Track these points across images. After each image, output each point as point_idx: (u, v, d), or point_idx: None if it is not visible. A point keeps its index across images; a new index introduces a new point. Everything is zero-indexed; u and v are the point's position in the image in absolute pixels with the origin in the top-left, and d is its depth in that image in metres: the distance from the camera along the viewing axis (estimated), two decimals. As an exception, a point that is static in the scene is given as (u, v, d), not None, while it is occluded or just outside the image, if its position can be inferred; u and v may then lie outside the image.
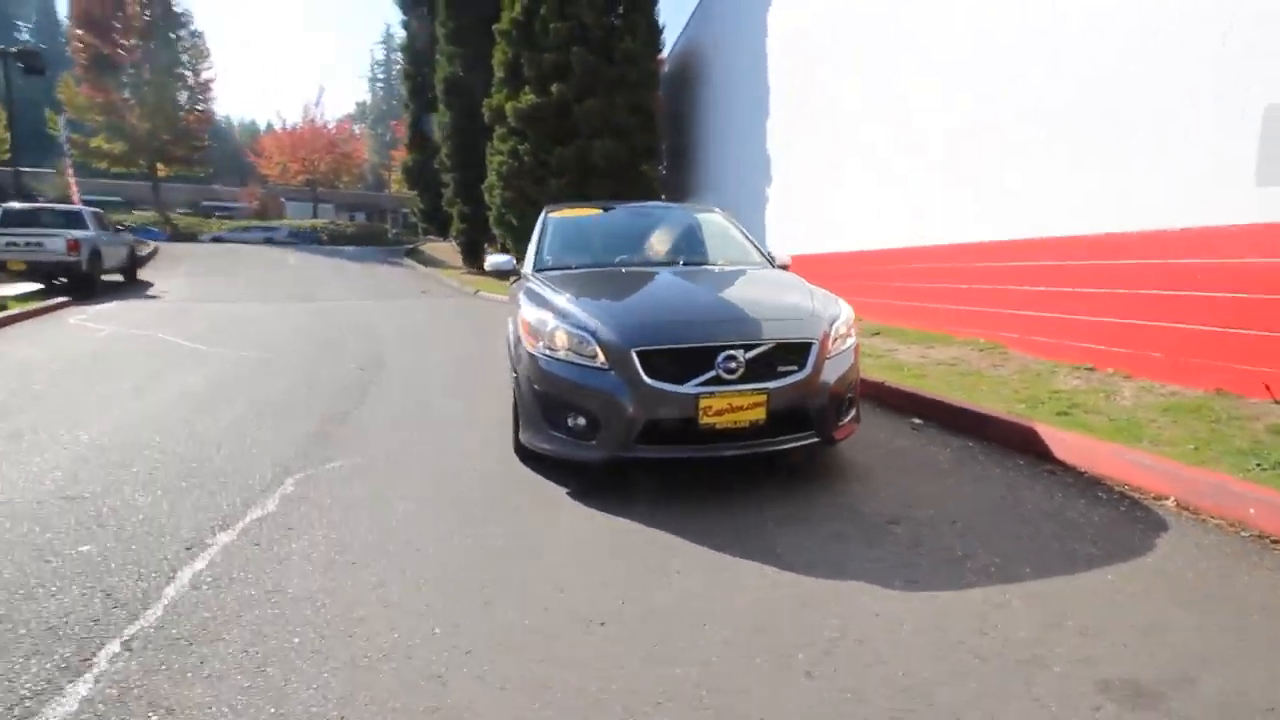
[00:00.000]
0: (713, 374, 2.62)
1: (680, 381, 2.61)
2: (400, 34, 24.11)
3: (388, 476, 3.02)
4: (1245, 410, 3.45)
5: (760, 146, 11.33)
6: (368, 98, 70.15)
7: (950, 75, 6.29)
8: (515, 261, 3.99)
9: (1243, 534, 2.30)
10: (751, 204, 11.80)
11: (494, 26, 15.18)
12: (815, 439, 2.80)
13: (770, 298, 3.10)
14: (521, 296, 3.29)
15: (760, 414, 2.64)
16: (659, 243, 4.03)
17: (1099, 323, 4.66)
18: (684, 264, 3.76)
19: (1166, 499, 2.60)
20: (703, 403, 2.59)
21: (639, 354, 2.61)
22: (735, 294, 3.21)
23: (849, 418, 2.95)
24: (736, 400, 2.61)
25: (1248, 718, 1.42)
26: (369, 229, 38.46)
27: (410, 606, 1.90)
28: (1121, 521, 2.44)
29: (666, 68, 16.28)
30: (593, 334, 2.72)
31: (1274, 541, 2.22)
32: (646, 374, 2.59)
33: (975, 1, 5.97)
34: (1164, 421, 3.47)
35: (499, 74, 15.34)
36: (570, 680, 1.56)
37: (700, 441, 2.65)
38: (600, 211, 4.41)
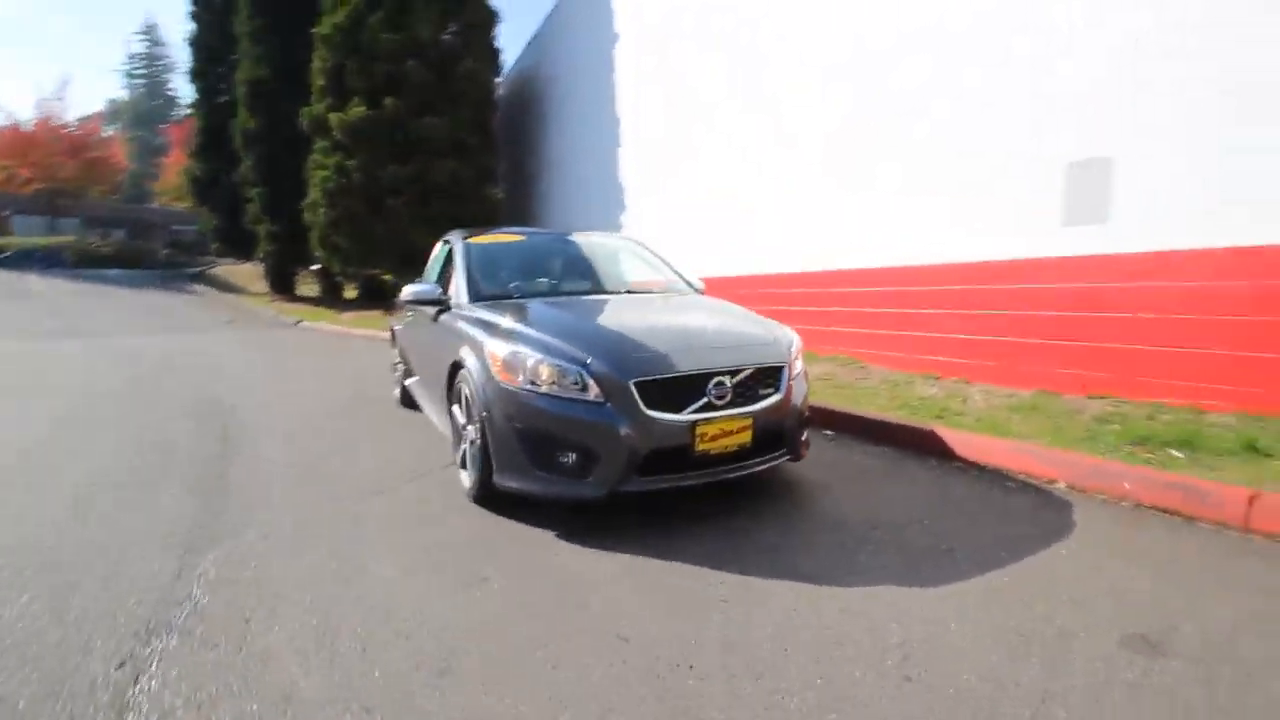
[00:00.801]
0: (704, 401, 2.67)
1: (675, 410, 2.63)
2: (167, 26, 21.02)
3: (332, 542, 2.62)
4: (1069, 405, 4.31)
5: (612, 176, 11.66)
6: (124, 94, 59.75)
7: (806, 122, 7.07)
8: (439, 290, 3.67)
9: (1123, 504, 2.89)
10: (604, 228, 12.05)
11: (314, 30, 13.92)
12: (788, 457, 2.97)
13: (734, 325, 3.23)
14: (473, 329, 3.06)
15: (746, 437, 2.74)
16: (592, 270, 4.00)
17: (940, 339, 5.51)
18: (626, 291, 3.78)
19: (1057, 482, 3.17)
20: (698, 430, 2.62)
21: (637, 385, 2.59)
22: (701, 321, 3.30)
23: (805, 435, 3.17)
24: (727, 425, 2.69)
25: (1240, 644, 1.80)
26: (132, 249, 32.26)
27: (488, 678, 1.69)
28: (1039, 505, 2.91)
29: (501, 91, 16.10)
30: (584, 366, 2.63)
31: (1150, 508, 2.82)
32: (645, 405, 2.57)
33: (825, 86, 6.81)
34: (1015, 418, 4.20)
35: (319, 81, 14.07)
36: (694, 730, 1.50)
37: (694, 469, 2.67)
38: (521, 238, 4.26)
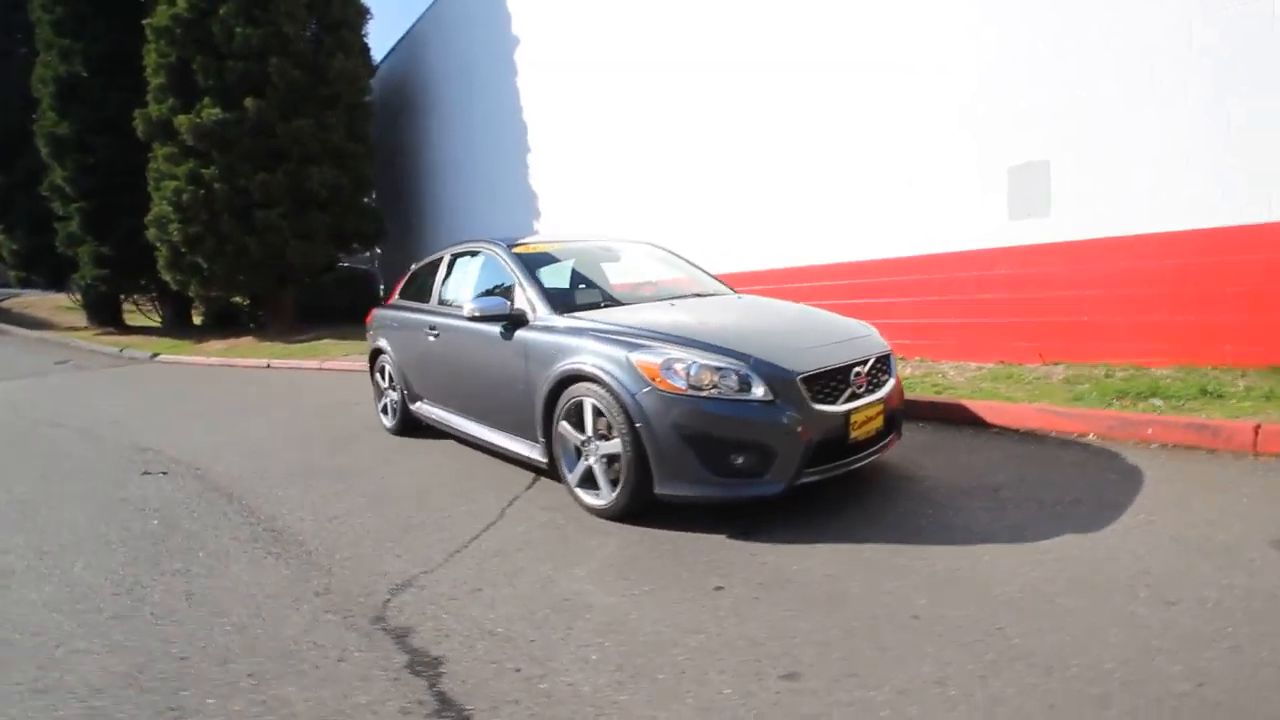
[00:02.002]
0: (850, 391, 2.83)
1: (831, 402, 2.75)
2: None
3: (527, 586, 2.42)
4: (1036, 372, 5.02)
5: (522, 181, 11.40)
6: None
7: (748, 127, 7.45)
8: (509, 304, 3.44)
9: (1151, 446, 3.48)
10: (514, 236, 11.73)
11: (146, 22, 12.08)
12: (896, 438, 3.21)
13: (832, 320, 3.40)
14: (592, 341, 2.96)
15: (880, 421, 2.95)
16: (648, 276, 3.97)
17: (901, 324, 6.12)
18: (695, 295, 3.81)
19: (1087, 435, 3.73)
20: (852, 418, 2.78)
21: (802, 380, 2.67)
22: (806, 318, 3.43)
23: (898, 416, 3.44)
24: (869, 412, 2.87)
25: None
26: None
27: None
28: (1093, 455, 3.41)
29: (371, 94, 15.04)
30: (751, 366, 2.66)
31: (1174, 446, 3.42)
32: (810, 399, 2.67)
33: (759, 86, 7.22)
34: (998, 386, 4.82)
35: (157, 80, 12.27)
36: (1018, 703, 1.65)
37: (846, 456, 2.82)
38: (560, 245, 4.10)
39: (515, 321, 3.43)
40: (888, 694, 1.65)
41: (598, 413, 2.90)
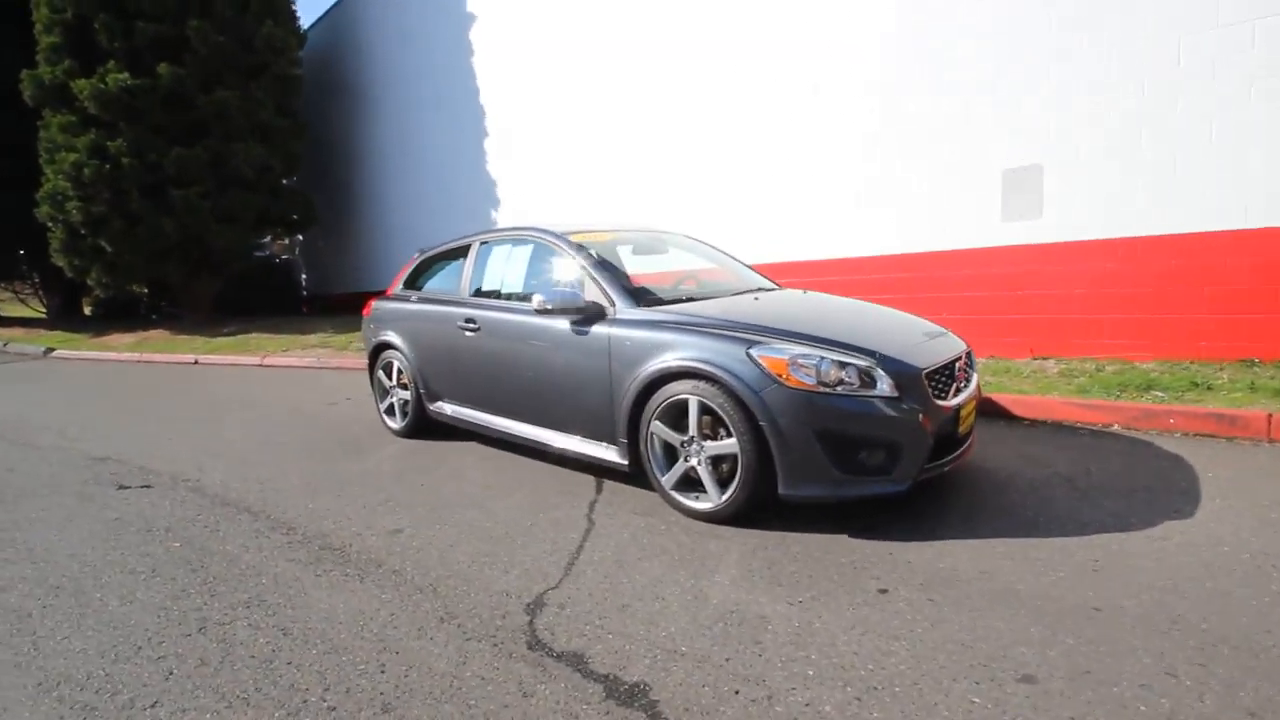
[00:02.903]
0: (955, 385, 2.86)
1: (943, 396, 2.77)
2: None
3: (672, 601, 2.26)
4: (1030, 366, 5.34)
5: (479, 167, 10.90)
6: None
7: (718, 125, 7.44)
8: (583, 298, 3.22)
9: (1175, 435, 3.76)
10: (470, 228, 11.24)
11: (35, -31, 10.55)
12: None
13: (906, 315, 3.42)
14: (701, 338, 2.82)
15: (974, 414, 3.00)
16: (694, 267, 3.84)
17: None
18: (760, 289, 3.72)
19: (1112, 426, 3.99)
20: (961, 413, 2.80)
21: (926, 375, 2.66)
22: (890, 314, 3.43)
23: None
24: (970, 406, 2.92)
25: None
26: None
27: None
28: (1134, 445, 3.64)
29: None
30: (877, 362, 2.62)
31: (1196, 434, 3.71)
32: (932, 394, 2.67)
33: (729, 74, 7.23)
34: (1001, 379, 5.07)
35: (49, 39, 10.78)
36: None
37: (952, 449, 2.85)
38: (614, 235, 3.88)
39: (590, 315, 3.23)
40: (1130, 688, 1.66)
41: (705, 411, 2.77)
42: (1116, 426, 3.98)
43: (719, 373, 2.69)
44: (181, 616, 2.25)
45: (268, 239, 14.61)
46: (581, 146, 9.23)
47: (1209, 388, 4.35)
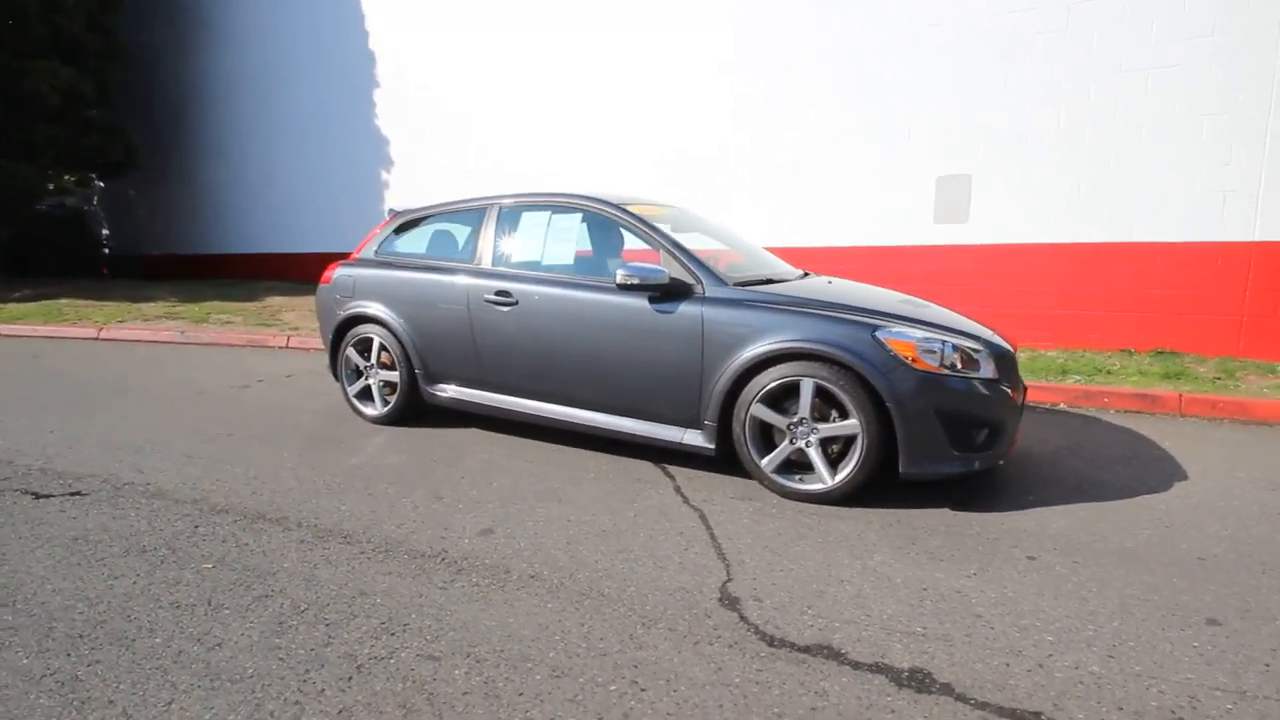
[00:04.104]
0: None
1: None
2: None
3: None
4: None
5: (366, 124, 9.73)
6: None
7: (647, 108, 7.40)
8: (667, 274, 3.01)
9: (1111, 411, 4.48)
10: (354, 190, 10.06)
11: None
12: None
13: (939, 306, 3.66)
14: (803, 319, 2.81)
15: (1018, 396, 3.33)
16: (734, 252, 3.76)
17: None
18: (804, 273, 3.74)
19: (1059, 404, 4.64)
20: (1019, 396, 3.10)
21: (1007, 361, 2.89)
22: (926, 302, 3.63)
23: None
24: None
25: None
26: None
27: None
28: (1089, 422, 4.26)
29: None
30: (984, 344, 2.79)
31: (1127, 410, 4.46)
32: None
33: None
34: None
35: None
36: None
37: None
38: (668, 210, 3.65)
39: (675, 293, 3.05)
40: (1288, 623, 1.98)
41: (819, 393, 2.77)
42: (1062, 405, 4.66)
43: (843, 355, 2.70)
44: (315, 656, 1.78)
45: (71, 182, 11.77)
46: (492, 109, 8.63)
47: (1109, 372, 5.25)
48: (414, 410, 3.96)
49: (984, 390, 2.76)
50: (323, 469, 3.28)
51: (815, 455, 2.82)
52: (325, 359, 4.36)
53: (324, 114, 10.23)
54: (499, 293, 3.48)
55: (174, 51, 11.75)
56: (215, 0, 11.11)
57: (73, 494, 2.93)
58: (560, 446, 3.62)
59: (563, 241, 3.45)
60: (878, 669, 1.76)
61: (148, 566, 2.27)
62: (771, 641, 1.87)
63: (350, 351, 4.08)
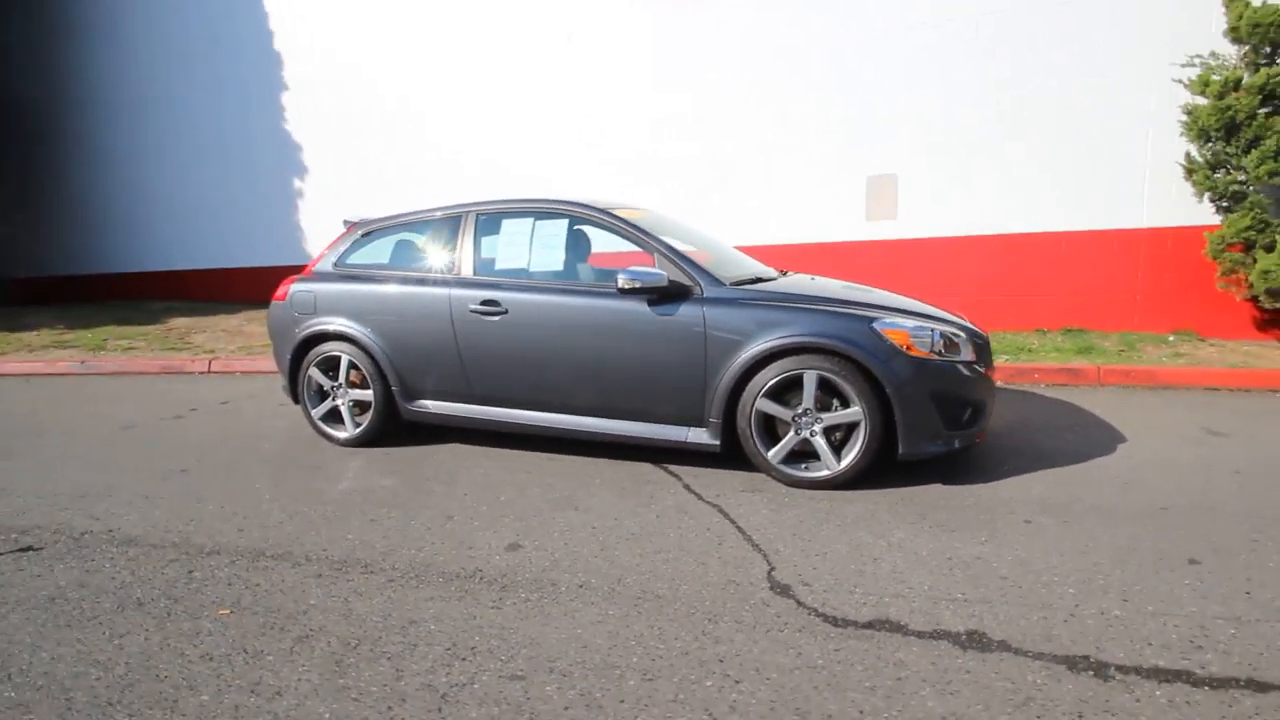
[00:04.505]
0: (983, 353, 3.42)
1: (985, 361, 3.30)
2: None
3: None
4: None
5: (274, 130, 9.12)
6: None
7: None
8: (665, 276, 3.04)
9: (1040, 385, 4.93)
10: (263, 197, 9.41)
11: None
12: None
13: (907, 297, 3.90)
14: (801, 315, 2.96)
15: (980, 376, 3.62)
16: (704, 252, 3.84)
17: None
18: (782, 272, 3.87)
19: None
20: (988, 375, 3.37)
21: (982, 344, 3.14)
22: (899, 296, 3.85)
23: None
24: (987, 368, 3.51)
25: (1218, 417, 3.77)
26: None
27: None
28: (1029, 396, 4.68)
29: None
30: (964, 330, 3.01)
31: (1055, 384, 4.92)
32: (988, 360, 3.16)
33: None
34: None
35: None
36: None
37: (984, 406, 3.41)
38: (645, 213, 3.65)
39: (674, 295, 3.09)
40: (1246, 553, 2.29)
41: (822, 384, 2.90)
42: (999, 382, 5.09)
43: (845, 346, 2.85)
44: (392, 692, 1.68)
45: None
46: (416, 110, 8.35)
47: (1030, 350, 5.79)
48: (388, 430, 3.78)
49: (967, 372, 3.00)
50: (308, 499, 3.08)
51: (821, 443, 2.96)
52: (259, 382, 4.09)
53: (219, 123, 9.50)
54: (485, 302, 3.39)
55: (34, 54, 10.50)
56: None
57: (23, 550, 2.59)
58: (551, 455, 3.57)
59: (550, 248, 3.41)
60: (938, 635, 1.89)
61: (154, 620, 2.06)
62: (835, 622, 1.97)
63: (314, 371, 3.84)
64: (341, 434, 3.83)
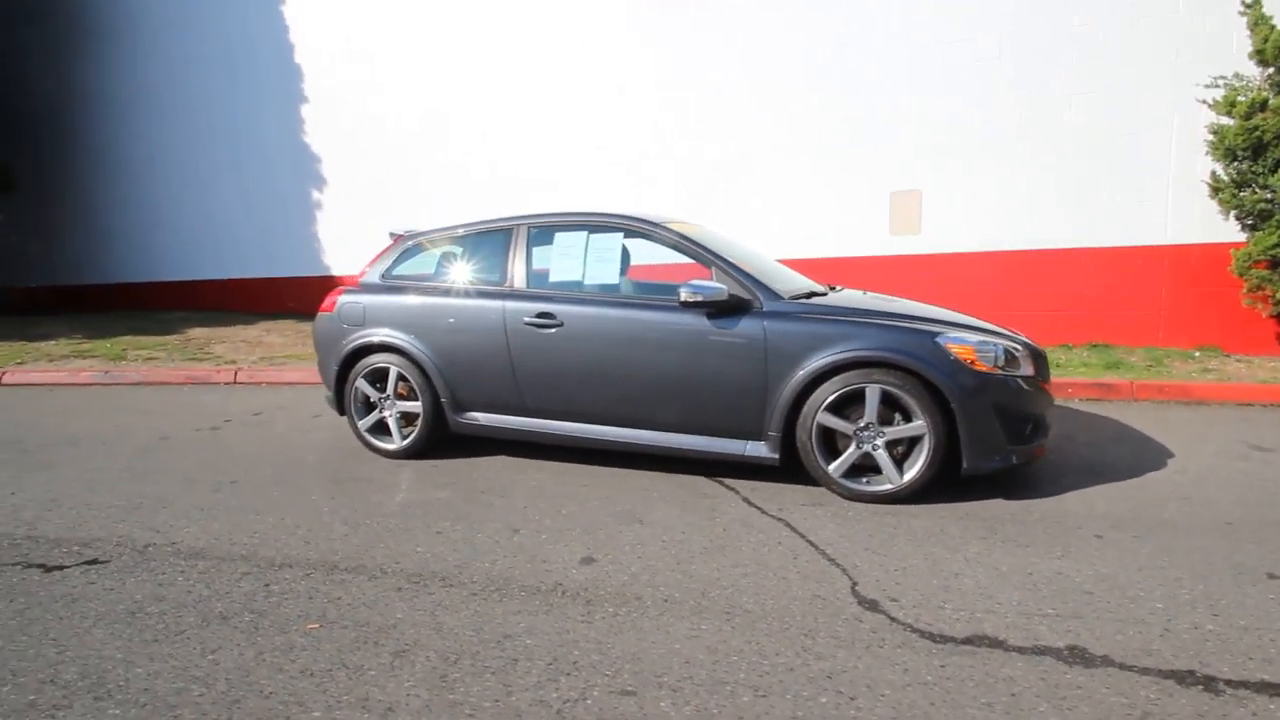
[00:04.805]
0: (1033, 366, 3.44)
1: (1038, 375, 3.32)
2: None
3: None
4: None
5: (294, 141, 9.16)
6: None
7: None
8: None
9: (1075, 400, 4.96)
10: (280, 208, 9.44)
11: None
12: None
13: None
14: (861, 329, 2.99)
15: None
16: (767, 262, 3.87)
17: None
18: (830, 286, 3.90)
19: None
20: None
21: (1041, 358, 3.16)
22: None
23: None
24: (1036, 383, 3.53)
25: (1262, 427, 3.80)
26: None
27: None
28: (1065, 410, 4.66)
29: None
30: (1023, 345, 3.03)
31: (1088, 398, 4.95)
32: (1037, 375, 3.20)
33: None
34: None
35: None
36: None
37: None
38: (695, 228, 3.67)
39: (734, 308, 3.10)
40: (1329, 573, 2.31)
41: (885, 398, 2.92)
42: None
43: (910, 361, 2.87)
44: (506, 708, 1.66)
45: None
46: (430, 118, 8.41)
47: (1058, 365, 5.81)
48: (434, 442, 3.77)
49: (1027, 387, 3.02)
50: (367, 510, 3.06)
51: (884, 457, 2.97)
52: (287, 393, 4.08)
53: (243, 132, 9.52)
54: (541, 315, 3.40)
55: (50, 57, 10.53)
56: (110, 12, 10.09)
57: (89, 562, 2.56)
58: (600, 468, 3.57)
59: (603, 261, 3.42)
60: (1040, 651, 1.89)
61: (242, 635, 2.03)
62: (934, 639, 1.96)
63: (361, 383, 3.83)
64: (388, 445, 3.81)
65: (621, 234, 3.48)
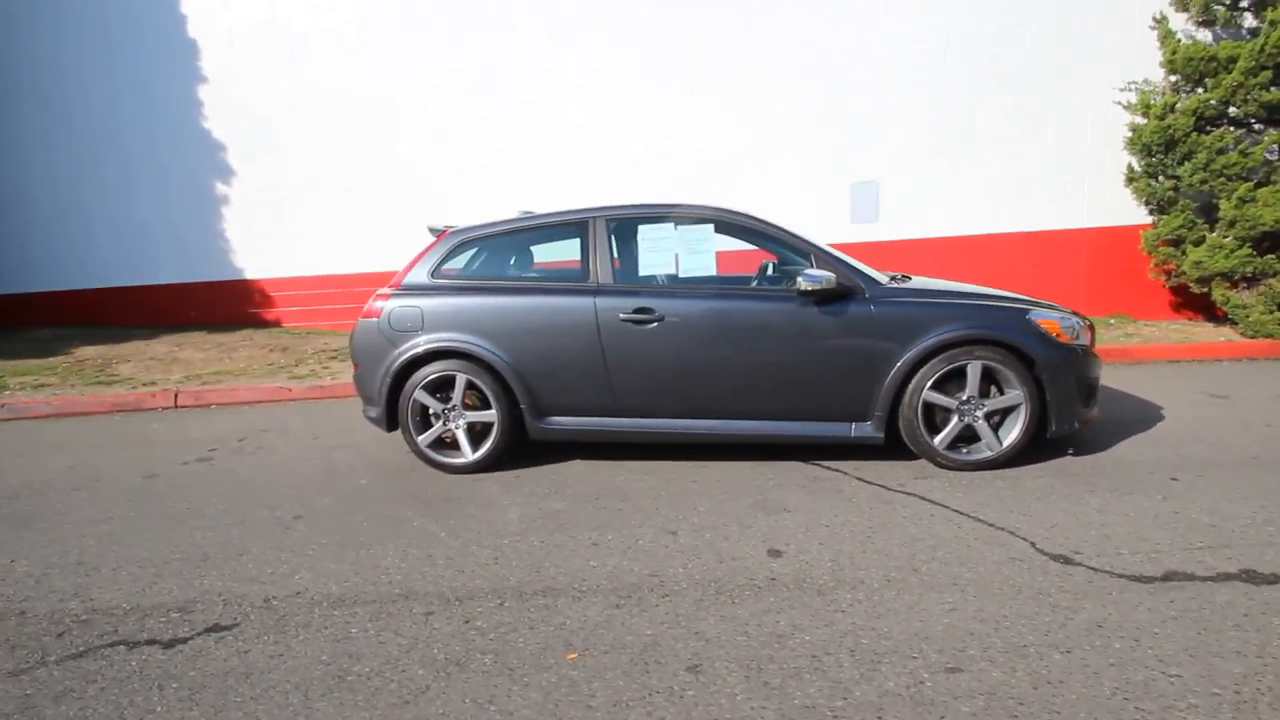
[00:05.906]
0: (1065, 337, 3.86)
1: (1075, 346, 3.74)
2: None
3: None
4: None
5: (193, 127, 8.02)
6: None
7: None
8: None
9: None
10: (173, 204, 8.29)
11: None
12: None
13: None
14: (958, 310, 3.23)
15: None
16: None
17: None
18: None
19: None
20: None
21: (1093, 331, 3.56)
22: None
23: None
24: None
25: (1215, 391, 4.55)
26: None
27: None
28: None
29: None
30: (1084, 320, 3.39)
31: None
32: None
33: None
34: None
35: None
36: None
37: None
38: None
39: (841, 296, 3.20)
40: (1356, 490, 2.85)
41: (985, 374, 3.16)
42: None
43: (1009, 337, 3.14)
44: (874, 704, 1.65)
45: None
46: (377, 114, 7.76)
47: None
48: (507, 450, 3.55)
49: (1090, 356, 3.41)
50: (489, 530, 2.83)
51: (984, 427, 3.22)
52: (256, 415, 3.73)
53: (126, 118, 8.17)
54: (639, 310, 3.30)
55: None
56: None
57: (210, 630, 2.15)
58: (692, 463, 3.54)
59: (697, 253, 3.38)
60: (1225, 578, 2.18)
61: (502, 679, 1.82)
62: (1142, 580, 2.20)
63: (420, 394, 3.49)
64: (456, 460, 3.52)
65: (713, 225, 3.46)
